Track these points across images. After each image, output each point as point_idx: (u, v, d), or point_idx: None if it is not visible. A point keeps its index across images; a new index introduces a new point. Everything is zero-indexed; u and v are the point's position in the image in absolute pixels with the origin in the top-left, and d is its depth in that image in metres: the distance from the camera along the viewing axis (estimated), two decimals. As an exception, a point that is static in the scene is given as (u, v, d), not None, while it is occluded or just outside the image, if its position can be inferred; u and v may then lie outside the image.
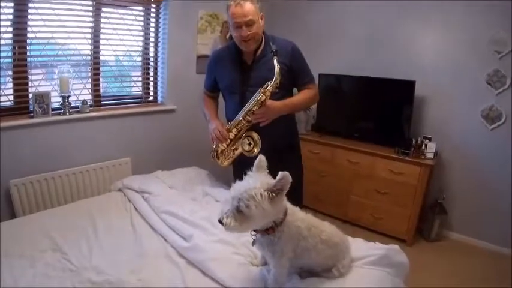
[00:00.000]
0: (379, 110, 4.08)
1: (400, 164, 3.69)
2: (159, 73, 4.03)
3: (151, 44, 3.95)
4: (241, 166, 2.70)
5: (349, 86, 4.27)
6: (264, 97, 2.29)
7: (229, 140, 2.53)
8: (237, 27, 2.32)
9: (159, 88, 4.07)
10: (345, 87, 4.29)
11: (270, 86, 2.28)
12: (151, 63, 3.99)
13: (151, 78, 4.03)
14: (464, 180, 3.84)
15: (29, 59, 3.18)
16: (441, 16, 3.71)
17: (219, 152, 2.63)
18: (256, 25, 2.31)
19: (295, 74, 2.47)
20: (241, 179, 2.79)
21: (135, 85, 3.98)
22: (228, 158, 2.58)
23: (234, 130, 2.49)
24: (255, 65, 2.45)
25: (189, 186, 2.85)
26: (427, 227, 3.91)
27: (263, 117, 2.33)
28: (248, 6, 2.26)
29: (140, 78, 3.98)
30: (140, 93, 4.00)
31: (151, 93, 4.07)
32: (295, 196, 2.69)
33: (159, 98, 4.08)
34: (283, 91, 2.41)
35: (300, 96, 2.52)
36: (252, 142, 2.42)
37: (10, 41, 3.05)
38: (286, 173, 1.51)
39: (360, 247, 2.07)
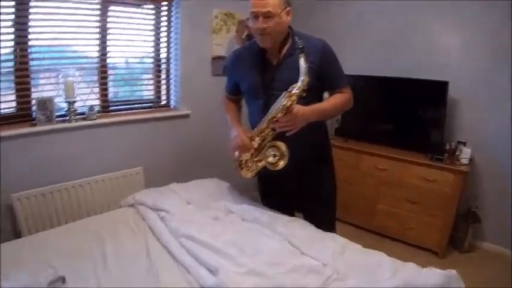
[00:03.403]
0: (408, 113, 3.83)
1: (432, 170, 3.45)
2: (171, 76, 3.79)
3: (163, 45, 3.72)
4: (268, 180, 2.47)
5: (377, 88, 4.02)
6: (289, 102, 1.98)
7: (253, 150, 2.26)
8: (253, 18, 2.06)
9: (171, 92, 3.83)
10: (372, 89, 4.03)
11: (295, 89, 1.98)
12: (163, 66, 3.76)
13: (163, 82, 3.80)
14: (498, 188, 3.59)
15: (31, 62, 2.98)
16: (474, 14, 3.47)
17: (243, 162, 2.36)
18: (275, 20, 2.03)
19: (326, 75, 2.16)
20: (267, 195, 2.57)
21: (145, 89, 3.77)
22: (251, 170, 2.32)
23: (257, 139, 2.22)
24: (281, 65, 2.17)
25: (209, 202, 2.54)
26: (459, 237, 3.66)
27: (289, 126, 2.02)
28: None
29: (151, 82, 3.77)
30: (151, 97, 3.78)
31: (163, 97, 3.85)
32: (327, 216, 2.45)
33: (172, 103, 3.85)
34: (312, 95, 2.11)
35: (331, 102, 2.22)
36: (277, 154, 2.13)
37: (11, 43, 2.85)
38: None
39: (413, 273, 1.80)
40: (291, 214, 2.46)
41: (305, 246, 1.95)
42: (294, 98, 1.98)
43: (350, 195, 3.91)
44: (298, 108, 2.00)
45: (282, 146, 2.10)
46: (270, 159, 2.14)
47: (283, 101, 1.99)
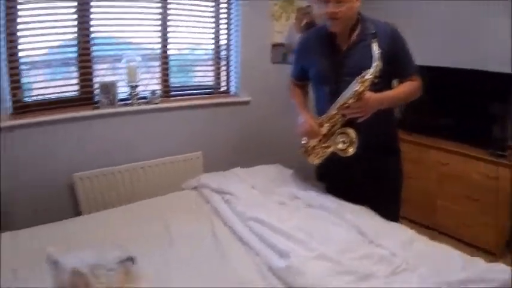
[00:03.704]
0: (472, 107, 3.63)
1: (494, 167, 3.27)
2: (231, 62, 3.78)
3: (223, 31, 3.72)
4: (332, 168, 2.41)
5: (439, 79, 3.82)
6: (361, 88, 1.93)
7: (321, 136, 2.21)
8: (324, 2, 2.00)
9: (231, 78, 3.82)
10: (434, 80, 3.84)
11: (368, 74, 1.93)
12: (223, 52, 3.75)
13: (223, 68, 3.80)
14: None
15: (94, 47, 3.07)
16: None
17: (310, 148, 2.31)
18: (347, 4, 1.97)
19: (397, 62, 2.08)
20: (330, 184, 2.51)
21: (205, 75, 3.78)
22: (318, 157, 2.27)
23: (326, 125, 2.17)
24: (351, 51, 2.12)
25: (273, 187, 2.51)
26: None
27: (360, 112, 1.98)
28: None
29: (211, 68, 3.78)
30: (211, 83, 3.79)
31: (223, 83, 3.85)
32: (392, 209, 2.37)
33: (232, 89, 3.84)
34: (382, 82, 2.05)
35: (401, 89, 2.15)
36: (346, 140, 2.08)
37: (74, 29, 2.96)
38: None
39: (483, 267, 1.71)
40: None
41: (373, 235, 1.90)
42: (366, 83, 1.94)
43: (410, 190, 3.75)
44: (370, 95, 1.96)
45: (352, 132, 2.06)
46: (340, 145, 2.10)
47: (355, 86, 1.95)
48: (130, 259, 1.67)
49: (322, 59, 2.22)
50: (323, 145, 2.22)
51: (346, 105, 2.01)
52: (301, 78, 2.47)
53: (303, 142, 2.35)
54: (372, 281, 1.58)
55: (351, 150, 2.05)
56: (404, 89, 2.14)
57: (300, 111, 2.37)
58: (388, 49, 2.00)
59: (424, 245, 1.91)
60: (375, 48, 1.90)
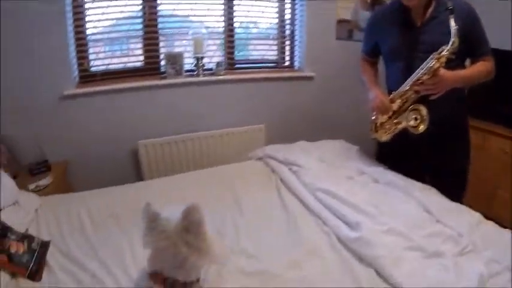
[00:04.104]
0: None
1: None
2: (296, 37, 3.74)
3: (288, 6, 3.68)
4: (399, 146, 2.38)
5: (507, 63, 3.68)
6: (437, 64, 1.91)
7: (391, 112, 2.20)
8: None
9: (295, 53, 3.79)
10: (502, 64, 3.69)
11: (445, 51, 1.89)
12: (287, 27, 3.73)
13: (287, 43, 3.78)
14: None
15: (159, 19, 3.14)
16: None
17: (378, 124, 2.31)
18: None
19: (471, 41, 2.03)
20: (395, 162, 2.48)
21: (270, 49, 3.77)
22: (388, 133, 2.25)
23: (398, 101, 2.16)
24: (426, 27, 2.07)
25: (340, 162, 2.51)
26: None
27: (434, 89, 1.96)
28: None
29: (276, 42, 3.76)
30: (275, 58, 3.79)
31: (287, 58, 3.84)
32: (457, 193, 2.30)
33: (296, 64, 3.81)
34: (456, 61, 2.00)
35: (475, 69, 2.09)
36: (418, 117, 2.06)
37: (140, 1, 3.03)
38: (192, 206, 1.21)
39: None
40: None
41: (440, 214, 1.88)
42: (442, 60, 1.91)
43: (470, 178, 3.69)
44: (444, 72, 1.93)
45: (423, 109, 2.04)
46: (412, 122, 2.08)
47: (431, 62, 1.93)
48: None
49: (395, 34, 2.19)
50: (394, 121, 2.21)
51: (420, 81, 1.99)
52: (372, 54, 2.45)
53: (372, 118, 2.35)
54: (439, 259, 1.57)
55: (422, 128, 2.03)
56: (478, 69, 2.09)
57: (370, 87, 2.35)
58: (464, 26, 1.95)
59: (491, 229, 1.89)
60: (452, 24, 1.87)
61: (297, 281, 1.50)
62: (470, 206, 3.52)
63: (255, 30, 3.71)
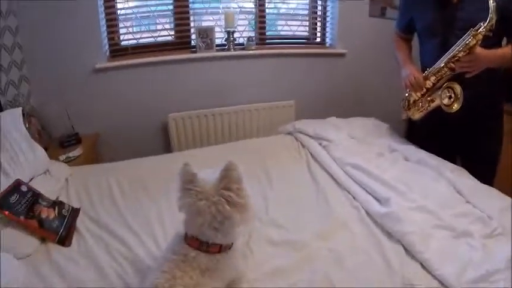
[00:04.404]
0: None
1: None
2: (328, 13, 3.67)
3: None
4: (431, 125, 2.35)
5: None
6: (474, 41, 1.86)
7: (425, 89, 2.17)
8: None
9: (327, 30, 3.74)
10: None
11: (482, 27, 1.84)
12: (319, 2, 3.67)
13: (319, 19, 3.73)
14: None
15: None
16: None
17: (411, 102, 2.28)
18: None
19: (509, 20, 1.94)
20: (425, 141, 2.45)
21: (302, 25, 3.72)
22: (421, 110, 2.22)
23: (432, 78, 2.12)
24: (463, 4, 2.01)
25: (371, 139, 2.50)
26: None
27: (469, 67, 1.90)
28: None
29: (307, 18, 3.71)
30: (307, 34, 3.75)
31: (318, 34, 3.79)
32: (487, 177, 2.20)
33: (328, 40, 3.76)
34: (493, 39, 1.94)
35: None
36: (452, 95, 2.01)
37: None
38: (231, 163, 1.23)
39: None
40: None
41: (471, 195, 1.86)
42: (479, 37, 1.86)
43: (500, 165, 3.60)
44: (481, 50, 1.88)
45: (458, 88, 1.99)
46: (446, 100, 2.04)
47: (467, 39, 1.88)
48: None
49: (431, 11, 2.13)
50: (427, 99, 2.17)
51: (456, 58, 1.95)
52: (407, 31, 2.40)
53: (405, 95, 2.33)
54: (468, 239, 1.56)
55: (456, 106, 1.99)
56: None
57: (404, 64, 2.31)
58: (503, 4, 1.88)
59: (521, 214, 1.85)
60: (491, 1, 1.81)
61: (324, 251, 1.52)
62: (499, 192, 3.47)
63: (286, 6, 3.65)
